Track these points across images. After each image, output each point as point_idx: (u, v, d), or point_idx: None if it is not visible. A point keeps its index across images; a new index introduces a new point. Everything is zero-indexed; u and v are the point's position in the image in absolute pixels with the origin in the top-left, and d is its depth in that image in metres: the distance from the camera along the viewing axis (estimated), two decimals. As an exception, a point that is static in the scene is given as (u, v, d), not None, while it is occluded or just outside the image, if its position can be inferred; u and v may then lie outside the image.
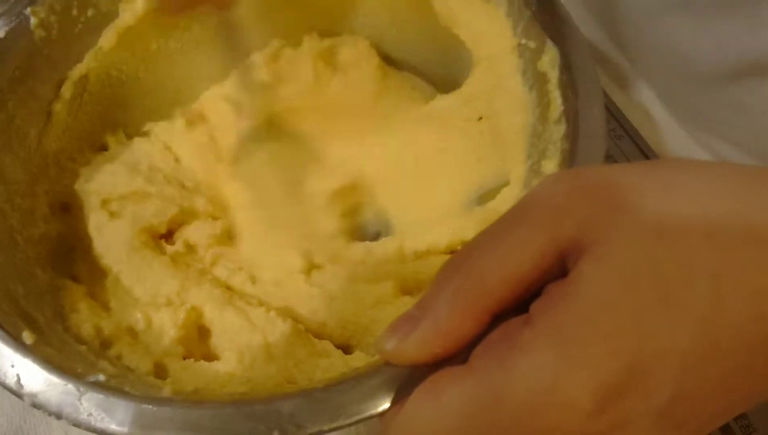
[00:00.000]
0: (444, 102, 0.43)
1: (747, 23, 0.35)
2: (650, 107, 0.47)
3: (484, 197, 0.40)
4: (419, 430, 0.21)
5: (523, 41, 0.37)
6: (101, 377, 0.27)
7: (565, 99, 0.33)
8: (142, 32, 0.41)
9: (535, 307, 0.21)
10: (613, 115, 0.47)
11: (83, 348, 0.31)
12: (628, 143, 0.46)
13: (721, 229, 0.20)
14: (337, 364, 0.32)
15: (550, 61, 0.35)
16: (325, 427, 0.25)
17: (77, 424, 0.26)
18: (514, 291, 0.21)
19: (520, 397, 0.19)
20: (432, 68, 0.45)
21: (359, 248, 0.40)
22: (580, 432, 0.20)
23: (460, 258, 0.22)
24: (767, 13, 0.34)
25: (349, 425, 0.25)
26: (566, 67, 0.34)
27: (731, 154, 0.42)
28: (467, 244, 0.22)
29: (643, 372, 0.19)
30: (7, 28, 0.36)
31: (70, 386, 0.26)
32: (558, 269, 0.21)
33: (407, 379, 0.23)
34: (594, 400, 0.19)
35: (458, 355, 0.21)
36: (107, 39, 0.40)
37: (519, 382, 0.20)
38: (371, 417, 0.25)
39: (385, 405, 0.24)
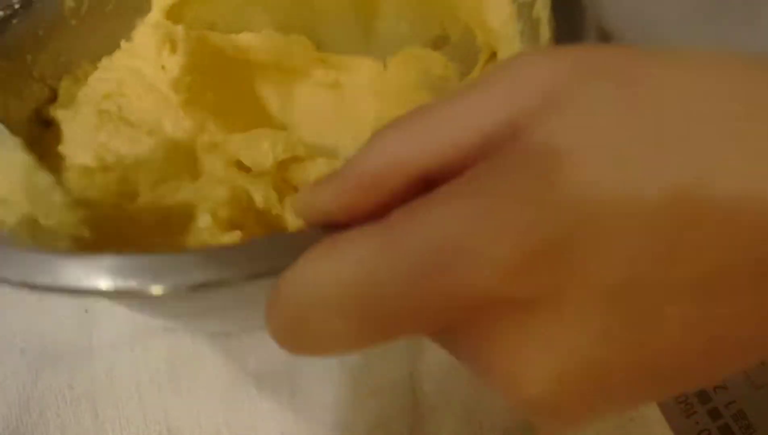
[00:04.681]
0: None
1: (745, 25, 0.33)
2: None
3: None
4: (311, 283, 0.17)
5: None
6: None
7: (552, 28, 0.32)
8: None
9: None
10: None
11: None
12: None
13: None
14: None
15: (542, 4, 0.34)
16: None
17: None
18: (458, 156, 0.17)
19: (426, 248, 0.16)
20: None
21: None
22: (494, 293, 0.16)
23: (407, 115, 0.19)
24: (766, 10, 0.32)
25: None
26: (556, 5, 0.33)
27: None
28: (420, 105, 0.19)
29: (595, 229, 0.15)
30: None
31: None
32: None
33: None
34: (519, 254, 0.15)
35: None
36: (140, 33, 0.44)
37: (427, 232, 0.16)
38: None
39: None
